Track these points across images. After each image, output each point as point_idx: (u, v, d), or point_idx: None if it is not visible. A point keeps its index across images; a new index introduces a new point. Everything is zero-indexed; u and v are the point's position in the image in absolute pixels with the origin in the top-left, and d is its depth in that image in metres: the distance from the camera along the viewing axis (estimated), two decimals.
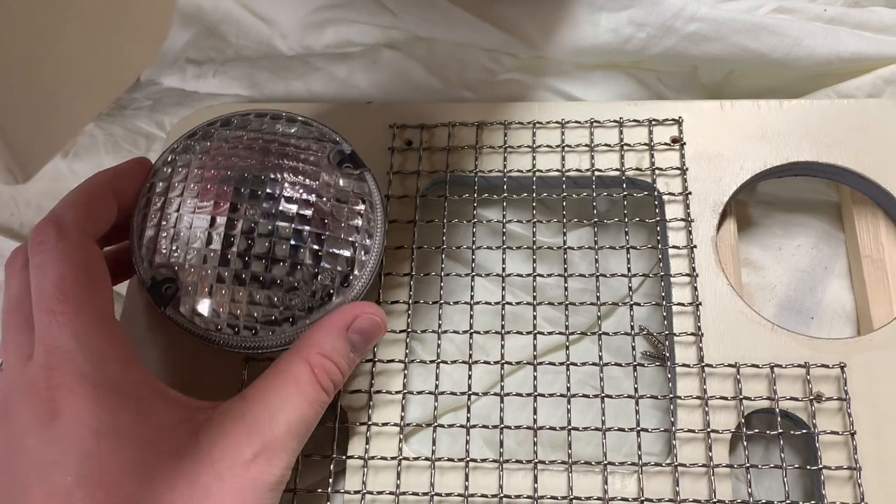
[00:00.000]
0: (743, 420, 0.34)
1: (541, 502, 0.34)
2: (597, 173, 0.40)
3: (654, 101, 0.43)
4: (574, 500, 0.34)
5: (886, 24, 0.44)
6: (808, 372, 0.35)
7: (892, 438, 0.34)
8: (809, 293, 0.40)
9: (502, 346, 0.37)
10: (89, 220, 0.32)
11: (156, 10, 0.24)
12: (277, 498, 0.29)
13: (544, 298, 0.39)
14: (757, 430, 0.35)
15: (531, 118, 0.42)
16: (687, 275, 0.38)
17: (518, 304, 0.38)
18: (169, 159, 0.35)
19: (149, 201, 0.34)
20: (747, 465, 0.34)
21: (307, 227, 0.33)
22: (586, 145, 0.41)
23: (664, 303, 0.37)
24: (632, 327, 0.37)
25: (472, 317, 0.38)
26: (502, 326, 0.38)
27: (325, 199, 0.34)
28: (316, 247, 0.33)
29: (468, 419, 0.36)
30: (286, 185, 0.33)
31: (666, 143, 0.40)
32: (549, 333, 0.37)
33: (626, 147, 0.41)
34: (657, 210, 0.39)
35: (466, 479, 0.35)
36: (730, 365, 0.35)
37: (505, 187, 0.40)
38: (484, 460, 0.35)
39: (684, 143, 0.40)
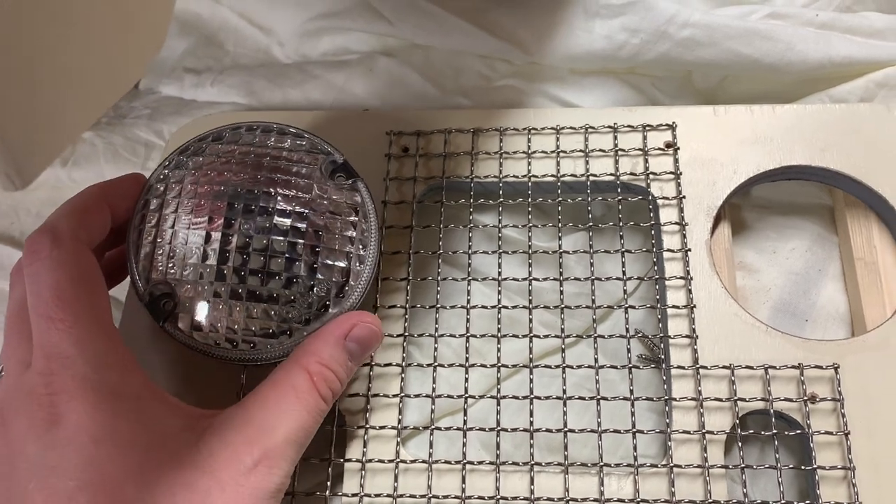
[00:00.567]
0: (738, 421, 0.35)
1: None
2: (592, 178, 0.40)
3: (648, 107, 0.43)
4: (570, 502, 0.34)
5: (878, 29, 0.44)
6: (802, 373, 0.35)
7: (885, 438, 0.34)
8: (804, 296, 0.41)
9: (499, 350, 0.37)
10: (83, 228, 0.32)
11: (152, 18, 0.25)
12: None
13: (540, 302, 0.39)
14: (752, 431, 0.35)
15: (526, 124, 0.42)
16: (681, 278, 0.38)
17: (514, 307, 0.39)
18: (162, 175, 0.35)
19: (143, 217, 0.35)
20: (742, 465, 0.34)
21: (301, 241, 0.33)
22: (581, 151, 0.41)
23: (659, 306, 0.38)
24: (627, 330, 0.37)
25: (468, 321, 0.38)
26: (499, 330, 0.38)
27: (318, 211, 0.34)
28: (311, 259, 0.33)
29: (465, 422, 0.36)
30: (279, 198, 0.34)
31: (660, 148, 0.41)
32: (545, 337, 0.38)
33: (620, 152, 0.41)
34: (652, 214, 0.40)
35: (463, 481, 0.35)
36: (724, 367, 0.36)
37: (501, 193, 0.41)
38: (481, 463, 0.35)
39: (678, 148, 0.41)
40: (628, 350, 0.37)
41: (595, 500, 0.34)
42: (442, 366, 0.37)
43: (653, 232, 0.39)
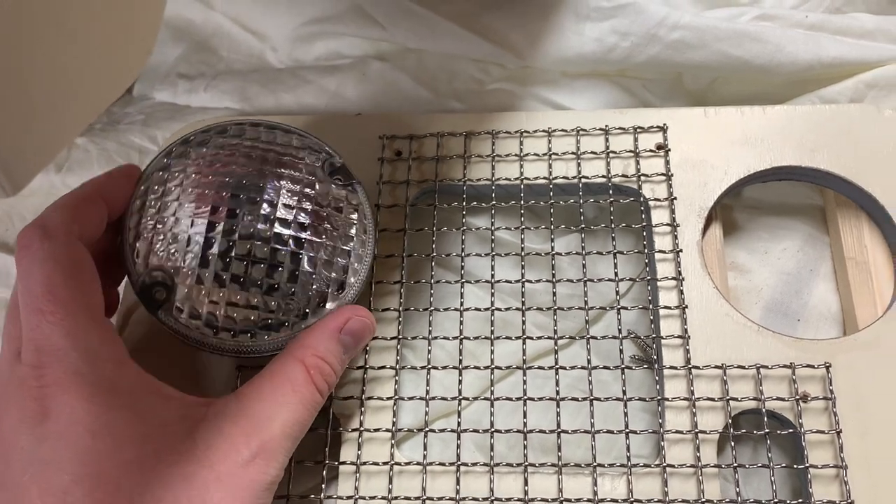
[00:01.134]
0: (730, 421, 0.35)
1: None
2: (583, 180, 0.41)
3: (639, 109, 0.44)
4: (564, 502, 0.34)
5: (867, 30, 0.45)
6: (794, 372, 0.35)
7: (877, 436, 0.34)
8: (795, 296, 0.41)
9: (492, 352, 0.38)
10: (76, 221, 0.32)
11: (142, 22, 0.25)
12: (271, 497, 0.29)
13: (533, 304, 0.39)
14: (744, 431, 0.35)
15: (518, 127, 0.43)
16: (673, 278, 0.38)
17: (507, 309, 0.39)
18: (164, 163, 0.35)
19: (143, 205, 0.34)
20: (735, 465, 0.34)
21: (305, 234, 0.33)
22: (573, 153, 0.41)
23: (651, 306, 0.38)
24: (619, 331, 0.37)
25: (462, 323, 0.38)
26: (492, 332, 0.38)
27: (322, 207, 0.34)
28: (313, 254, 0.33)
29: (459, 424, 0.36)
30: (284, 192, 0.34)
31: (651, 150, 0.41)
32: (539, 338, 0.38)
33: (612, 154, 0.41)
34: (643, 215, 0.40)
35: (458, 483, 0.35)
36: (716, 367, 0.36)
37: (493, 195, 0.41)
38: (475, 464, 0.35)
39: (669, 150, 0.41)
40: (621, 351, 0.37)
41: (589, 500, 0.34)
42: (436, 368, 0.37)
43: (644, 233, 0.39)
